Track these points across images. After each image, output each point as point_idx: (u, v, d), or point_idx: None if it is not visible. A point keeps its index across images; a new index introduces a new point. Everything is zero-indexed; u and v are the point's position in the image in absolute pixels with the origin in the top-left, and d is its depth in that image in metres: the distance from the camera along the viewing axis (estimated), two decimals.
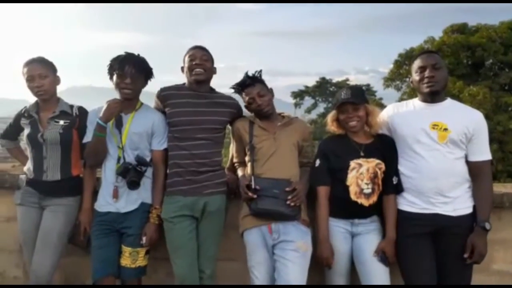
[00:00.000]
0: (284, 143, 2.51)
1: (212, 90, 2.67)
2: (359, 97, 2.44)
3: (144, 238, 2.46)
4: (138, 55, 2.56)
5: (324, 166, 2.48)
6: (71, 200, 2.62)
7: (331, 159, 2.47)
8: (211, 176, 2.55)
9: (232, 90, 2.64)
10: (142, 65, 2.54)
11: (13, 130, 2.79)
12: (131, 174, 2.43)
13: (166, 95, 2.61)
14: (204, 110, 2.56)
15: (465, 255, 2.29)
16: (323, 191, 2.47)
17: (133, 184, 2.44)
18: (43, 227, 2.56)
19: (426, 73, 2.36)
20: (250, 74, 2.58)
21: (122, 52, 2.55)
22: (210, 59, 2.60)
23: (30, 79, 2.55)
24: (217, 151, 2.60)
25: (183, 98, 2.58)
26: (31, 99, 2.72)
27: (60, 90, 2.75)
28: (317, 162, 2.52)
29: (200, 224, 2.54)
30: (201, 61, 2.54)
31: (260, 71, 2.60)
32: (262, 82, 2.59)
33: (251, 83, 2.55)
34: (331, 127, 2.54)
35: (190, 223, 2.51)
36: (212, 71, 2.63)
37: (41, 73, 2.56)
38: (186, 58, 2.59)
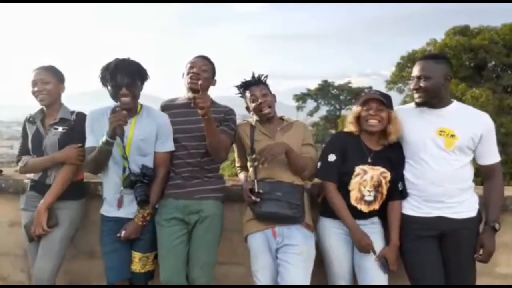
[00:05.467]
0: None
1: (210, 101, 2.57)
2: (387, 99, 2.39)
3: (123, 232, 2.41)
4: (129, 59, 2.47)
5: (338, 163, 2.43)
6: (74, 204, 2.64)
7: (342, 159, 2.44)
8: (205, 182, 2.52)
9: (234, 91, 2.65)
10: (135, 71, 2.45)
11: (27, 143, 2.68)
12: (139, 191, 2.37)
13: (162, 106, 2.69)
14: (192, 119, 2.52)
15: (475, 255, 2.31)
16: (332, 186, 2.43)
17: (142, 203, 2.40)
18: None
19: (412, 85, 2.38)
20: (256, 75, 2.59)
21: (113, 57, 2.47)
22: (211, 71, 2.60)
23: (33, 84, 2.60)
24: (212, 159, 2.54)
25: (176, 109, 2.61)
26: (32, 104, 2.75)
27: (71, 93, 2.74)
28: (332, 156, 2.45)
29: (193, 230, 2.50)
30: (199, 71, 2.53)
31: (266, 75, 2.61)
32: (266, 84, 2.61)
33: (256, 82, 2.57)
34: (350, 125, 2.47)
35: (181, 228, 2.48)
36: (211, 82, 2.62)
37: (43, 78, 2.58)
38: (187, 65, 2.60)
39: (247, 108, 2.64)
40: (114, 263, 2.44)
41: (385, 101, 2.36)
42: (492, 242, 2.30)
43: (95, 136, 2.43)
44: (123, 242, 2.45)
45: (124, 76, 2.39)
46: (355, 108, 2.45)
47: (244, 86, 2.60)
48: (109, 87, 2.43)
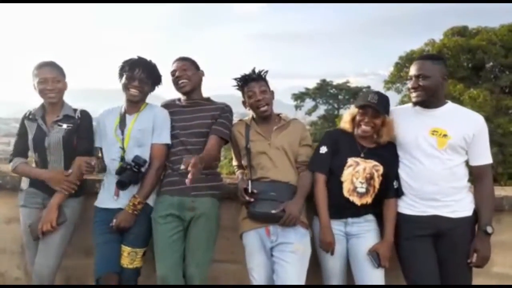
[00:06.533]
0: (280, 147, 2.49)
1: (207, 99, 2.69)
2: (384, 107, 2.41)
3: (114, 221, 2.45)
4: (150, 60, 2.61)
5: (329, 155, 2.48)
6: (74, 201, 2.64)
7: (334, 152, 2.48)
8: (201, 178, 2.49)
9: (232, 83, 2.64)
10: (152, 71, 2.60)
11: (22, 141, 2.66)
12: (123, 175, 2.46)
13: (163, 105, 2.74)
14: (188, 117, 2.60)
15: (469, 260, 2.31)
16: (321, 178, 2.47)
17: (121, 184, 2.46)
18: None
19: (411, 84, 2.40)
20: (256, 71, 2.56)
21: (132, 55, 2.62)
22: (191, 66, 2.64)
23: (43, 81, 2.55)
24: None
25: (176, 107, 2.68)
26: (30, 101, 2.74)
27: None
28: (324, 149, 2.50)
29: (189, 228, 2.51)
30: (181, 72, 2.60)
31: (267, 71, 2.58)
32: (266, 81, 2.58)
33: (255, 78, 2.54)
34: (345, 124, 2.51)
35: (177, 225, 2.49)
36: (198, 76, 2.67)
37: (55, 77, 2.59)
38: (170, 74, 2.66)
39: (244, 103, 2.61)
40: (102, 255, 2.46)
41: (381, 111, 2.38)
42: (485, 247, 2.30)
43: (98, 138, 2.66)
44: (114, 234, 2.47)
45: (142, 72, 2.54)
46: (353, 109, 2.48)
47: (244, 81, 2.57)
48: (124, 77, 2.56)
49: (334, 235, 2.40)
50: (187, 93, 2.63)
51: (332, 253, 2.41)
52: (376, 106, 2.37)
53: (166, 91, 2.71)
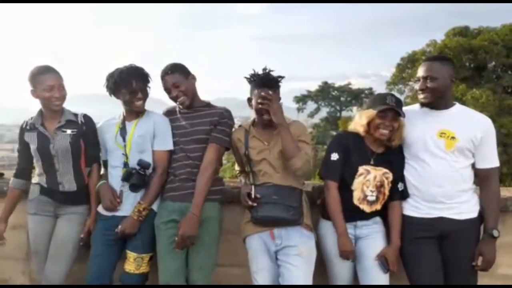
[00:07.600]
0: (280, 152, 2.42)
1: (207, 104, 2.67)
2: (401, 108, 2.37)
3: (119, 227, 2.45)
4: (135, 65, 2.55)
5: (340, 162, 2.42)
6: (85, 208, 2.64)
7: (345, 159, 2.43)
8: None
9: (232, 91, 2.61)
10: (145, 76, 2.57)
11: (24, 158, 2.65)
12: (133, 178, 2.49)
13: (164, 113, 2.74)
14: (187, 123, 2.59)
15: (473, 263, 2.30)
16: (334, 186, 2.43)
17: (134, 187, 2.50)
18: (58, 235, 2.56)
19: (419, 85, 2.39)
20: (276, 74, 2.44)
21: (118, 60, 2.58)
22: (182, 79, 2.56)
23: (49, 89, 2.49)
24: None
25: (176, 114, 2.67)
26: (30, 106, 2.73)
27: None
28: (335, 155, 2.43)
29: None
30: (175, 92, 2.55)
31: (283, 77, 2.46)
32: (279, 88, 2.49)
33: (274, 84, 2.44)
34: (360, 127, 2.42)
35: None
36: (191, 84, 2.60)
37: (62, 84, 2.56)
38: (164, 90, 2.60)
39: (249, 100, 2.51)
40: (93, 271, 2.48)
41: (401, 113, 2.33)
42: (491, 250, 2.29)
43: (102, 150, 2.68)
44: (112, 247, 2.49)
45: (139, 82, 2.51)
46: (370, 112, 2.37)
47: (260, 83, 2.41)
48: (123, 93, 2.51)
49: (352, 242, 2.39)
50: (188, 106, 2.62)
51: (353, 260, 2.40)
52: (398, 109, 2.32)
53: (166, 95, 2.67)
